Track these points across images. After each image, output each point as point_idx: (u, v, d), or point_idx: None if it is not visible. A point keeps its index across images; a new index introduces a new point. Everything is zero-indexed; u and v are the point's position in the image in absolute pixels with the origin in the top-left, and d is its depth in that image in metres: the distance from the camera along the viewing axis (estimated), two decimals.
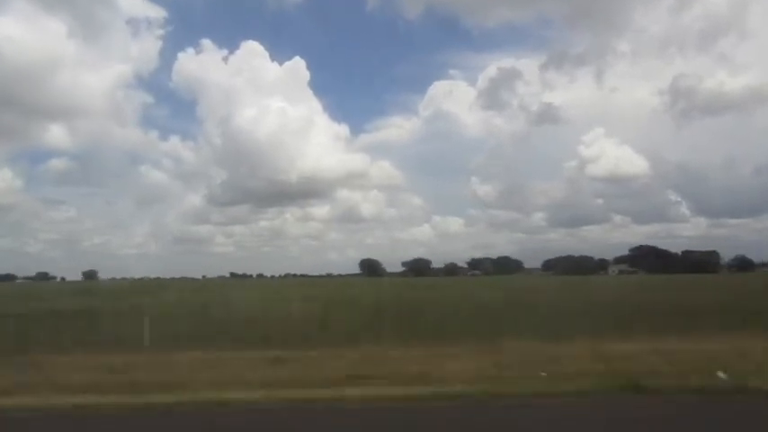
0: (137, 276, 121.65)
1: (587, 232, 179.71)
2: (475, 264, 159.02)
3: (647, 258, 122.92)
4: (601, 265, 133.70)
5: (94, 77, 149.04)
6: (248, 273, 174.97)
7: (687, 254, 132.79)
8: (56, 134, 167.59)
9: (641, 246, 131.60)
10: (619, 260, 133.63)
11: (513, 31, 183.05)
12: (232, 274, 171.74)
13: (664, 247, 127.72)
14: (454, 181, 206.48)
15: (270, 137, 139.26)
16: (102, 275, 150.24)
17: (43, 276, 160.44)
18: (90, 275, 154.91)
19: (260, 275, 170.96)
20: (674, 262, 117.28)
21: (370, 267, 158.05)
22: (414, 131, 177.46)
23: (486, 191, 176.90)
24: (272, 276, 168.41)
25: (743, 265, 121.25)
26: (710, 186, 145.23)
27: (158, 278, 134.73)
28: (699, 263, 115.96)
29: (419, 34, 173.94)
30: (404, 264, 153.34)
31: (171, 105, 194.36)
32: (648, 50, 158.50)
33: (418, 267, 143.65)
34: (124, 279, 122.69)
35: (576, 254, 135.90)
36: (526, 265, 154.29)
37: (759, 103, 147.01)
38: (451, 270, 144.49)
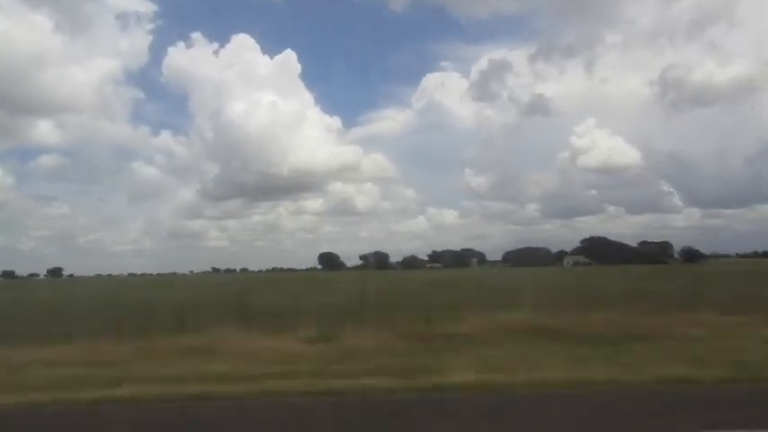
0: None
1: (581, 223, 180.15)
2: (435, 256, 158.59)
3: (599, 249, 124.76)
4: (558, 257, 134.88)
5: (84, 73, 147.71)
6: (245, 267, 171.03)
7: (644, 245, 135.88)
8: (45, 130, 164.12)
9: (592, 237, 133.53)
10: (575, 252, 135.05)
11: (504, 22, 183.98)
12: (214, 269, 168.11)
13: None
14: (448, 173, 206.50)
15: (262, 130, 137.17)
16: (88, 273, 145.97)
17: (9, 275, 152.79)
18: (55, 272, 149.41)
19: (244, 270, 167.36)
20: (628, 253, 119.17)
21: (329, 261, 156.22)
22: (407, 123, 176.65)
23: (480, 182, 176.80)
24: (259, 270, 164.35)
25: (690, 256, 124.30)
26: (702, 177, 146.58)
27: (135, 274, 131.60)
28: (650, 254, 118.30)
29: (409, 25, 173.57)
30: (361, 257, 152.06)
31: (162, 100, 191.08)
32: (639, 41, 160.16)
33: (376, 260, 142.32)
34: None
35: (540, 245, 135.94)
36: (489, 257, 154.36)
37: (748, 94, 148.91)
38: (410, 263, 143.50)
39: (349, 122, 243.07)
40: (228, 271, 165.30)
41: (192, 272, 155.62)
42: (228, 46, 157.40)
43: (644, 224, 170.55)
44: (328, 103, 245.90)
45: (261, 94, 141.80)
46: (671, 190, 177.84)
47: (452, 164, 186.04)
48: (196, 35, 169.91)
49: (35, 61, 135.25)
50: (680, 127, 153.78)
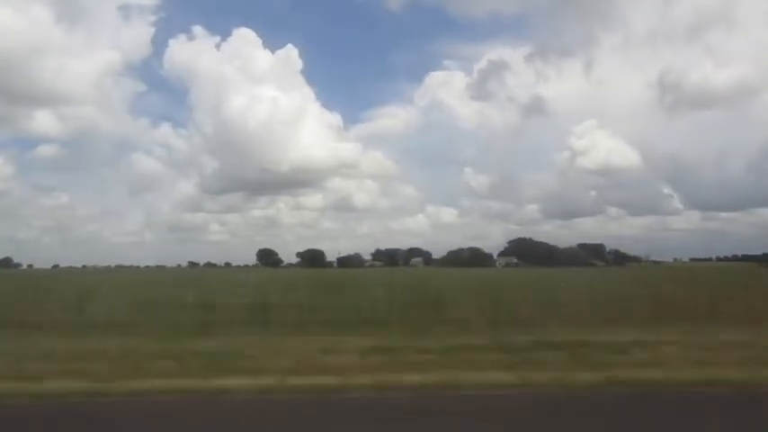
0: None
1: (581, 224, 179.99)
2: (378, 255, 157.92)
3: (526, 250, 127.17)
4: (481, 257, 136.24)
5: (85, 64, 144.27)
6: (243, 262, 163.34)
7: (582, 246, 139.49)
8: (45, 121, 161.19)
9: (519, 238, 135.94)
10: (504, 253, 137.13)
11: (508, 21, 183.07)
12: (190, 263, 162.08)
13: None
14: (448, 171, 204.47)
15: (262, 125, 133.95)
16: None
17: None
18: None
19: (227, 264, 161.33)
20: (558, 255, 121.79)
21: (267, 257, 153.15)
22: (408, 121, 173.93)
23: (480, 182, 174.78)
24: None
25: (618, 259, 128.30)
26: (701, 180, 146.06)
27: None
28: (577, 256, 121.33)
29: (411, 23, 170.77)
30: (298, 254, 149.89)
31: (162, 93, 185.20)
32: (639, 42, 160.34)
33: (312, 258, 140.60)
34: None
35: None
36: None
37: (747, 97, 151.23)
38: (346, 262, 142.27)
39: (350, 119, 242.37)
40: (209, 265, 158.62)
41: (179, 265, 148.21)
42: (230, 39, 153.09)
43: (644, 225, 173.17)
44: (329, 100, 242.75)
45: (261, 88, 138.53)
46: (670, 192, 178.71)
47: (453, 162, 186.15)
48: (197, 28, 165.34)
49: (35, 52, 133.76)
50: (679, 129, 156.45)
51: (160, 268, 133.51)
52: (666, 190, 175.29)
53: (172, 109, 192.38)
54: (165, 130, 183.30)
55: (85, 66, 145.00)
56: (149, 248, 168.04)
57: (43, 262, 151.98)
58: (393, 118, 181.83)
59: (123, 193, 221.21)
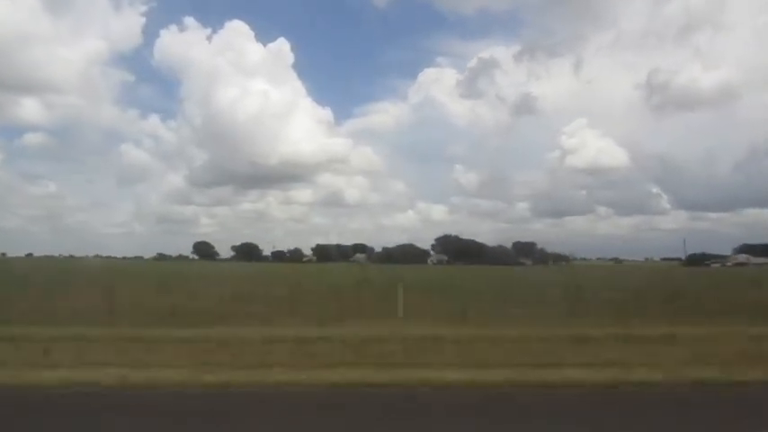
0: None
1: (571, 223, 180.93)
2: (319, 250, 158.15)
3: (451, 247, 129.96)
4: (426, 254, 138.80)
5: (74, 53, 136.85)
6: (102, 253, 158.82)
7: (516, 245, 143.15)
8: (32, 109, 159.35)
9: (445, 235, 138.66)
10: (434, 249, 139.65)
11: (499, 18, 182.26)
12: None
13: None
14: (439, 168, 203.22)
15: (252, 118, 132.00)
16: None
17: None
18: None
19: (110, 256, 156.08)
20: (486, 252, 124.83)
21: (203, 251, 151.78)
22: (399, 118, 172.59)
23: (470, 179, 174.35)
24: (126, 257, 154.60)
25: (543, 258, 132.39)
26: (689, 180, 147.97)
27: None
28: (505, 254, 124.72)
29: (402, 19, 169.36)
30: (233, 248, 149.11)
31: (152, 84, 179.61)
32: (629, 43, 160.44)
33: (247, 252, 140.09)
34: None
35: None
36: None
37: (734, 99, 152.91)
38: (280, 256, 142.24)
39: (341, 115, 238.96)
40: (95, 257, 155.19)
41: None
42: (222, 32, 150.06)
43: (633, 225, 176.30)
44: (320, 95, 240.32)
45: (252, 81, 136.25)
46: (658, 192, 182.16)
47: (443, 159, 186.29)
48: (189, 19, 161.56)
49: (23, 39, 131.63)
50: (667, 130, 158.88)
51: (137, 258, 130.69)
52: (655, 190, 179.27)
53: (162, 100, 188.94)
54: (155, 121, 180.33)
55: (74, 54, 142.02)
56: (138, 240, 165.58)
57: (26, 250, 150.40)
58: (384, 114, 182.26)
59: (111, 183, 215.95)
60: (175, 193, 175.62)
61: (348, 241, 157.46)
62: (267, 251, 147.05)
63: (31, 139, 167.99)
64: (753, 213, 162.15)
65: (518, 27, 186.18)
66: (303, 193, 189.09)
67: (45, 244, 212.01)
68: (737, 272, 70.05)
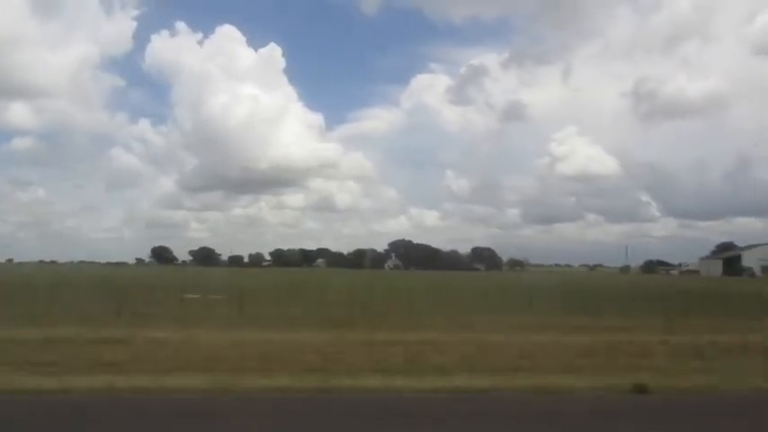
0: None
1: (561, 229, 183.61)
2: (278, 255, 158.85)
3: (403, 252, 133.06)
4: (381, 259, 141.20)
5: (65, 57, 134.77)
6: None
7: (475, 250, 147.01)
8: (20, 113, 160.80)
9: (398, 240, 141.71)
10: (387, 253, 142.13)
11: (490, 26, 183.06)
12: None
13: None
14: (430, 174, 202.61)
15: (242, 124, 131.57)
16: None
17: None
18: None
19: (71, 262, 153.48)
20: (440, 257, 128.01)
21: (160, 255, 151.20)
22: (391, 123, 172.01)
23: (461, 185, 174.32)
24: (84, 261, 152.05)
25: (496, 263, 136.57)
26: (678, 188, 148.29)
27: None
28: (458, 260, 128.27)
29: (392, 26, 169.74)
30: (191, 252, 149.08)
31: (143, 88, 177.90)
32: (618, 51, 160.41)
33: (205, 257, 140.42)
34: None
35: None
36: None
37: (722, 108, 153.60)
38: (237, 261, 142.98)
39: (332, 120, 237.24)
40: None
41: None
42: (213, 36, 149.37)
43: (623, 232, 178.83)
44: (312, 100, 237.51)
45: (243, 86, 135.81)
46: (648, 200, 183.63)
47: (434, 165, 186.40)
48: (180, 24, 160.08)
49: (11, 43, 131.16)
50: (656, 138, 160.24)
51: (121, 264, 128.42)
52: (644, 198, 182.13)
53: (152, 105, 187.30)
54: (145, 126, 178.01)
55: (65, 58, 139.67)
56: (127, 245, 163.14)
57: (16, 257, 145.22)
58: (376, 120, 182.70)
59: (101, 188, 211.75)
60: (166, 197, 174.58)
61: (342, 247, 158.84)
62: (225, 256, 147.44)
63: (20, 143, 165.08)
64: (741, 222, 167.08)
65: (509, 35, 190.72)
66: (295, 198, 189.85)
67: (32, 250, 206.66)
68: (660, 278, 74.15)
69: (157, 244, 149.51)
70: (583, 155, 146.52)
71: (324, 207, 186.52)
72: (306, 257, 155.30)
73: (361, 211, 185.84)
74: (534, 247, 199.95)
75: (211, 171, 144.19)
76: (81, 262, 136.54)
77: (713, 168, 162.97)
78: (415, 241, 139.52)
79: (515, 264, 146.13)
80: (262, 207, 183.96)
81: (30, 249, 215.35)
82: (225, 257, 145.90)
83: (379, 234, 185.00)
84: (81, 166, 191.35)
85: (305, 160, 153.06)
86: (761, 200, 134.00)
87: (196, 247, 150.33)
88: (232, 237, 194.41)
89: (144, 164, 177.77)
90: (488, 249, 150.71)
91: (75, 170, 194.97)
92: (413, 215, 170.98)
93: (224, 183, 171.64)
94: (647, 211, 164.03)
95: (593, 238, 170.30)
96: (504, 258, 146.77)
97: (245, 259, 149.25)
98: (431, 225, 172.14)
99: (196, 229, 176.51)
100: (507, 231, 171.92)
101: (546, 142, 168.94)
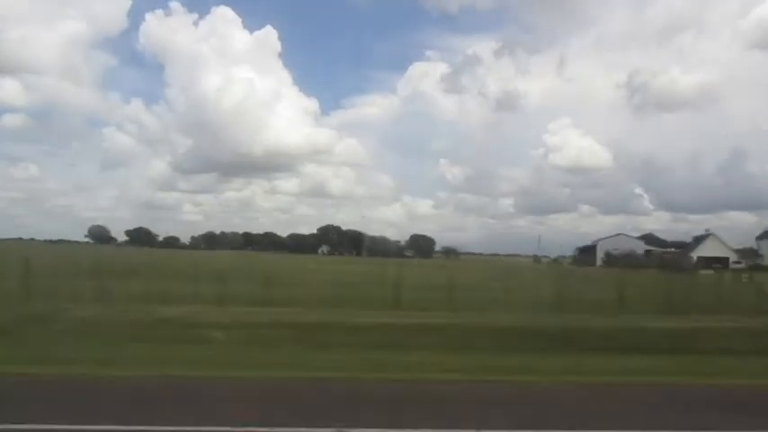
0: None
1: (554, 220, 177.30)
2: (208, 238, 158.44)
3: (332, 239, 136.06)
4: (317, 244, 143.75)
5: (57, 34, 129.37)
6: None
7: (414, 237, 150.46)
8: (10, 89, 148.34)
9: (328, 225, 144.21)
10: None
11: (488, 15, 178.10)
12: None
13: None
14: (425, 162, 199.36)
15: (236, 106, 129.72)
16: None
17: None
18: None
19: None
20: (367, 243, 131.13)
21: (98, 234, 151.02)
22: (386, 111, 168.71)
23: (455, 174, 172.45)
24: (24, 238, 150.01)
25: (427, 251, 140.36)
26: (670, 182, 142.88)
27: None
28: (388, 247, 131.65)
29: (392, 12, 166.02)
30: (127, 233, 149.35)
31: (137, 68, 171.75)
32: (613, 42, 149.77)
33: (141, 237, 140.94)
34: None
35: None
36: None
37: (717, 101, 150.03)
38: (171, 243, 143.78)
39: (327, 106, 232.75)
40: None
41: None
42: (208, 17, 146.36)
43: (617, 224, 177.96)
44: (307, 85, 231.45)
45: (237, 69, 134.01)
46: (641, 193, 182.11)
47: (429, 153, 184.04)
48: (175, 4, 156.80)
49: (3, 19, 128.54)
50: (650, 130, 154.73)
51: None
52: (637, 190, 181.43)
53: (146, 85, 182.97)
54: (138, 105, 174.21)
55: (57, 36, 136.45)
56: (119, 225, 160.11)
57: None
58: (372, 106, 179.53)
59: (94, 167, 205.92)
60: (159, 179, 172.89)
61: None
62: (162, 236, 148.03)
63: (11, 120, 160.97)
64: (734, 216, 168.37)
65: (504, 24, 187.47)
66: (289, 183, 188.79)
67: (26, 227, 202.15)
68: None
69: (152, 225, 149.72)
70: (576, 146, 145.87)
71: (318, 193, 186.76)
72: (249, 240, 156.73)
73: (355, 198, 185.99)
74: (526, 237, 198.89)
75: (204, 154, 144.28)
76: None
77: (706, 162, 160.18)
78: (343, 228, 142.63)
79: (450, 251, 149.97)
80: (255, 191, 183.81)
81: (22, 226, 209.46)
82: (161, 238, 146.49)
83: (373, 221, 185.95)
84: (73, 144, 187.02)
85: (299, 145, 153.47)
86: (754, 194, 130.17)
87: (131, 228, 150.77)
88: (224, 220, 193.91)
89: (137, 144, 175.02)
90: (424, 237, 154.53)
91: (67, 148, 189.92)
92: (407, 202, 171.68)
93: (217, 166, 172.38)
94: (640, 204, 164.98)
95: (585, 230, 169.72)
96: (439, 246, 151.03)
97: (183, 240, 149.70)
98: (424, 213, 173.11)
99: (189, 211, 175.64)
100: (501, 221, 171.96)
101: (541, 133, 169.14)
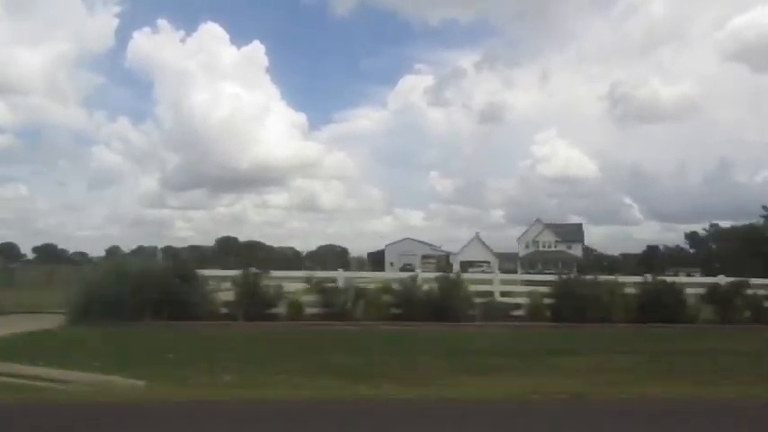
0: None
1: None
2: (139, 251, 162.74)
3: (233, 249, 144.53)
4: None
5: (45, 54, 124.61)
6: None
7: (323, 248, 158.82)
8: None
9: (225, 237, 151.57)
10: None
11: (470, 30, 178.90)
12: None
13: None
14: (414, 175, 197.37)
15: (224, 122, 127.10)
16: None
17: None
18: None
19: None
20: (271, 255, 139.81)
21: (6, 252, 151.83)
22: (375, 124, 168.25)
23: (445, 186, 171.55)
24: None
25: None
26: (658, 191, 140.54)
27: None
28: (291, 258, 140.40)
29: (377, 27, 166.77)
30: (34, 249, 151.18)
31: (125, 86, 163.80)
32: (596, 54, 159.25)
33: (48, 252, 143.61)
34: None
35: None
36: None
37: (701, 113, 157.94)
38: (83, 258, 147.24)
39: (316, 120, 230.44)
40: None
41: None
42: (195, 34, 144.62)
43: (607, 234, 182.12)
44: (295, 99, 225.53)
45: (225, 85, 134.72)
46: (630, 203, 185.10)
47: (419, 166, 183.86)
48: (162, 21, 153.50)
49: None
50: (636, 141, 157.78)
51: None
52: (626, 200, 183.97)
53: (134, 102, 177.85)
54: (126, 123, 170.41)
55: (44, 55, 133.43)
56: (109, 243, 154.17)
57: None
58: (361, 119, 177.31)
59: (82, 186, 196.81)
60: (149, 196, 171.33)
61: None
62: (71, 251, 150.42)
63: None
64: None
65: (488, 37, 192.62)
66: (279, 198, 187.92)
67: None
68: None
69: (144, 243, 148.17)
70: (564, 157, 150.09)
71: (308, 207, 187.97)
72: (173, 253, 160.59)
73: (346, 211, 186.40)
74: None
75: (193, 170, 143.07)
76: None
77: (693, 172, 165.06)
78: (267, 242, 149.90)
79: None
80: (246, 206, 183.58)
81: None
82: (71, 253, 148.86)
83: (364, 234, 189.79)
84: (61, 163, 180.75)
85: (287, 160, 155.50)
86: (739, 203, 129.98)
87: (40, 243, 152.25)
88: (215, 235, 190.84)
89: (125, 162, 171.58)
90: (340, 247, 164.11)
91: (55, 167, 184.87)
92: (398, 215, 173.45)
93: (206, 181, 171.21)
94: (630, 214, 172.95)
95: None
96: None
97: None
98: (415, 225, 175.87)
99: (181, 227, 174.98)
100: (493, 232, 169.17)
101: (528, 144, 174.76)
